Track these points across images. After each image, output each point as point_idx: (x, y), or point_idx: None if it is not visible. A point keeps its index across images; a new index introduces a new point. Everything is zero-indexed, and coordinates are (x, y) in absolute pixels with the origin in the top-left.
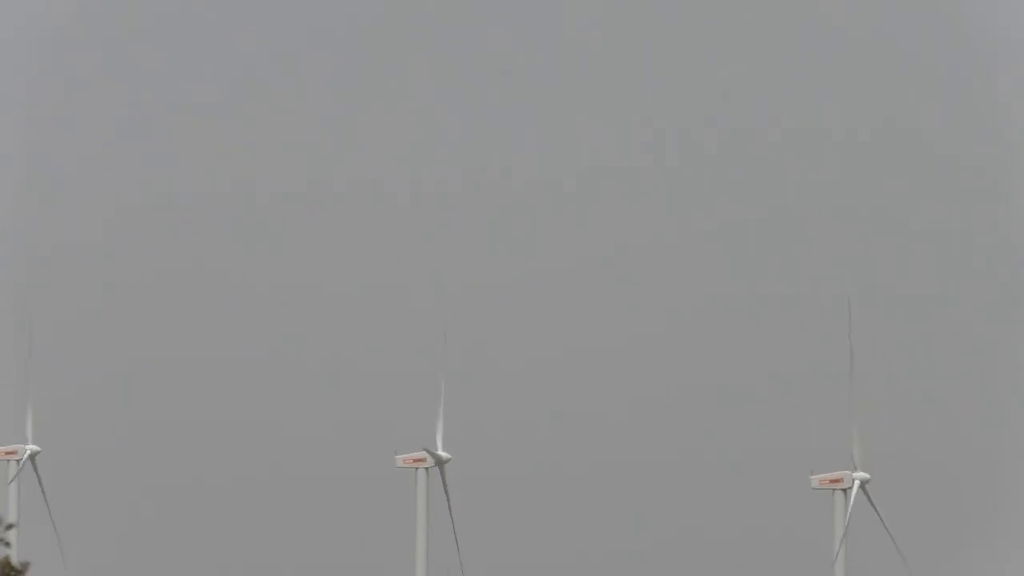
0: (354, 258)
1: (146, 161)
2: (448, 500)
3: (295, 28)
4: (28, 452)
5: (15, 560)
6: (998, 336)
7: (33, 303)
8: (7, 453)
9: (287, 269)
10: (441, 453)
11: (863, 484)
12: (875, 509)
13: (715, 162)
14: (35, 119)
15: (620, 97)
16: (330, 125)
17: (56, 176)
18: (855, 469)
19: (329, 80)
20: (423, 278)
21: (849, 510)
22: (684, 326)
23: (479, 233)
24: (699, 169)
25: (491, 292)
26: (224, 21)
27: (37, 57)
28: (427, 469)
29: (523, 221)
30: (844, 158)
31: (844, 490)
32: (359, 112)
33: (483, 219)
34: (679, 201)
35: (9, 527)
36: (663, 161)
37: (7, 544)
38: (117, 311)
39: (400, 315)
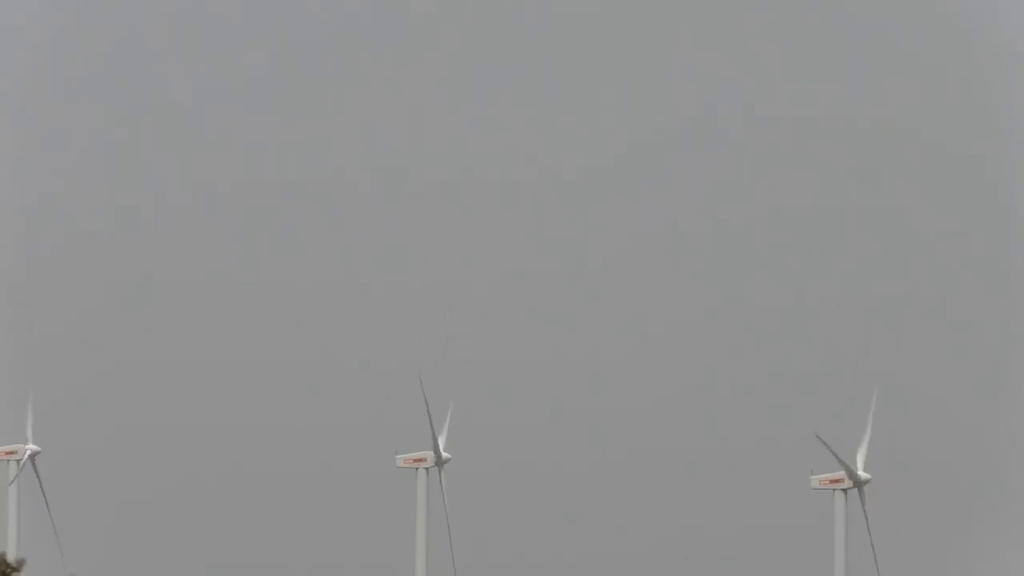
0: (355, 258)
1: (145, 162)
2: (444, 500)
3: (292, 31)
4: (28, 452)
5: (11, 558)
6: (998, 336)
7: (32, 303)
8: (7, 453)
9: (287, 269)
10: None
11: (863, 485)
12: (864, 513)
13: (717, 163)
14: (35, 119)
15: (622, 99)
16: (331, 127)
17: (54, 176)
18: (855, 470)
19: (329, 82)
20: (424, 279)
21: (865, 510)
22: (684, 327)
23: (480, 234)
24: (701, 171)
25: (491, 293)
26: (223, 22)
27: (37, 57)
28: (427, 469)
29: (524, 223)
30: (845, 159)
31: (844, 490)
32: (360, 114)
33: (484, 221)
34: (681, 202)
35: None
36: (666, 163)
37: None
38: (117, 311)
39: (401, 315)
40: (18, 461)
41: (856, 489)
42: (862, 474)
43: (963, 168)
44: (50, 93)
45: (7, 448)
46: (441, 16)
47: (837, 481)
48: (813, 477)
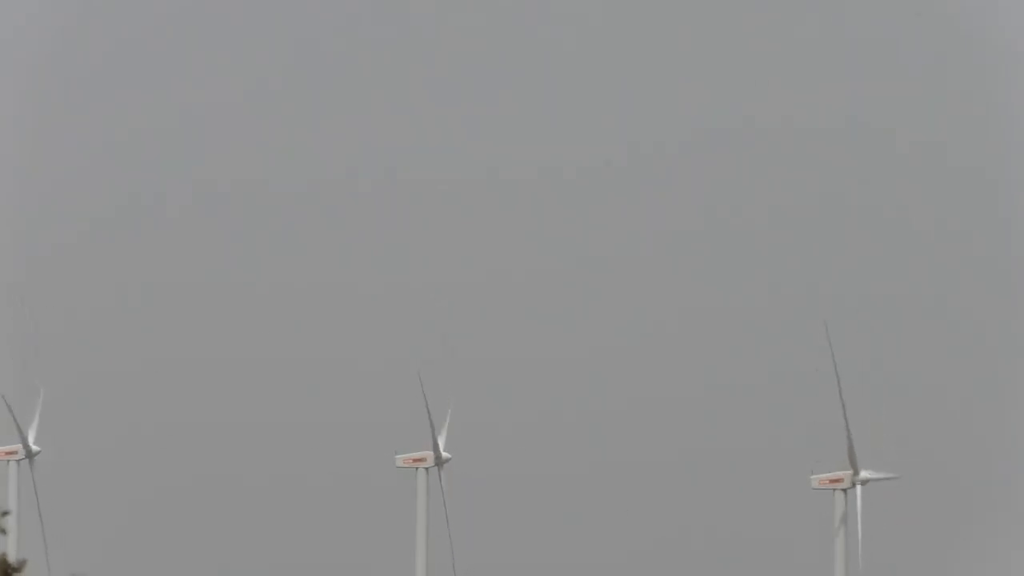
0: (355, 259)
1: (145, 162)
2: (444, 501)
3: (292, 32)
4: (28, 452)
5: (12, 558)
6: (998, 336)
7: (33, 303)
8: (7, 453)
9: (287, 270)
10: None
11: (863, 484)
12: (857, 512)
13: (718, 163)
14: (35, 119)
15: (623, 98)
16: (330, 127)
17: (56, 176)
18: (856, 472)
19: (329, 83)
20: (423, 279)
21: (859, 511)
22: (684, 327)
23: (480, 234)
24: (702, 171)
25: (491, 293)
26: (224, 23)
27: (37, 57)
28: (427, 469)
29: (524, 223)
30: (845, 159)
31: (844, 490)
32: (360, 115)
33: (484, 221)
34: (682, 202)
35: (4, 514)
36: (666, 163)
37: (3, 531)
38: (118, 312)
39: (400, 316)
40: (18, 461)
41: (856, 488)
42: (864, 474)
43: (963, 168)
44: (50, 93)
45: (7, 448)
46: (441, 16)
47: (837, 481)
48: (813, 477)
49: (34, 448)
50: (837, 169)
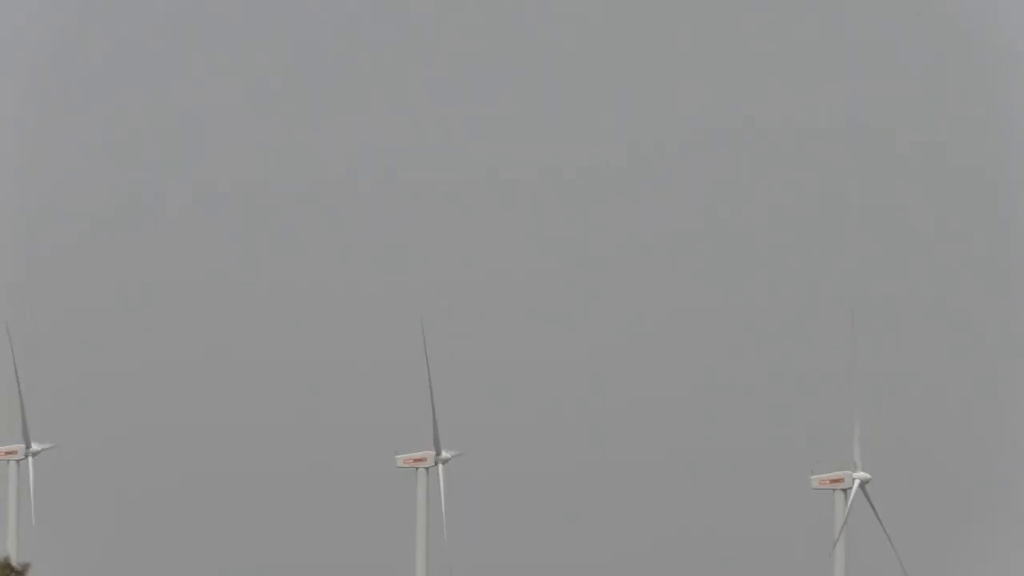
0: (355, 259)
1: (145, 162)
2: (442, 500)
3: (292, 32)
4: (28, 452)
5: (15, 561)
6: (998, 336)
7: (33, 303)
8: (7, 453)
9: (287, 270)
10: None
11: (863, 484)
12: (874, 511)
13: (718, 163)
14: (35, 119)
15: (623, 98)
16: (330, 127)
17: (56, 176)
18: (855, 469)
19: (329, 83)
20: (423, 279)
21: (848, 508)
22: (684, 326)
23: (480, 234)
24: (702, 171)
25: (491, 293)
26: (224, 23)
27: (37, 57)
28: (427, 469)
29: (524, 223)
30: (845, 159)
31: (844, 490)
32: (360, 115)
33: (484, 221)
34: (682, 202)
35: None
36: (666, 163)
37: None
38: (118, 312)
39: (401, 316)
40: (18, 461)
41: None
42: (862, 473)
43: (963, 168)
44: (50, 93)
45: (7, 448)
46: (441, 16)
47: (837, 481)
48: (813, 477)
49: (34, 448)
50: (837, 169)
